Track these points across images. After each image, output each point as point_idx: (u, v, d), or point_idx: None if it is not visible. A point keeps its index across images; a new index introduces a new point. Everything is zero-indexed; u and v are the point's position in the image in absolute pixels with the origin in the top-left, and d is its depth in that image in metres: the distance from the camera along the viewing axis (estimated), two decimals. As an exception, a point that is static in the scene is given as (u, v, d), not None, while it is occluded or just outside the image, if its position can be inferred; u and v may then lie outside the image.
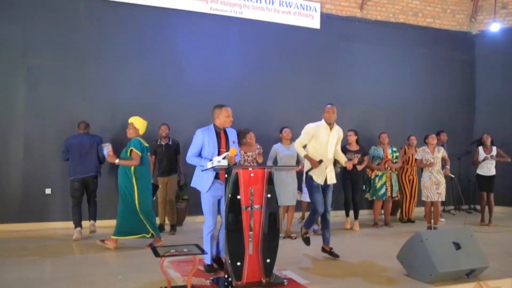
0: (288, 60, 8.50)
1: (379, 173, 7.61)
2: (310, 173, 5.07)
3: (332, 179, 5.14)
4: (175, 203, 6.93)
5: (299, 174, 6.47)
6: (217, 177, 4.38)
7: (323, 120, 5.14)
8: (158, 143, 6.77)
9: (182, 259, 4.73)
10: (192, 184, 4.60)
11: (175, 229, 6.74)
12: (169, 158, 6.76)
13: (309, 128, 5.12)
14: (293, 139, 6.68)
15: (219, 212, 4.51)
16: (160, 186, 6.56)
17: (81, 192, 6.29)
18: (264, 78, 8.29)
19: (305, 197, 7.10)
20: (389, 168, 7.59)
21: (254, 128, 7.50)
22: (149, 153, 6.61)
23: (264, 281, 3.98)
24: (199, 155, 4.48)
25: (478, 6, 9.95)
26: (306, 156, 5.05)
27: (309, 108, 8.30)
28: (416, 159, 7.14)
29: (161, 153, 6.74)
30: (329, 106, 5.14)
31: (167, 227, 6.86)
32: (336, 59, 8.90)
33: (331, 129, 5.12)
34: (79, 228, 6.13)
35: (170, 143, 6.80)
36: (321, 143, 5.06)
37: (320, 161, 4.96)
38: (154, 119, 6.99)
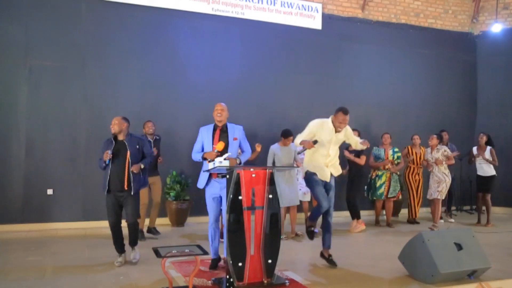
0: (290, 61, 8.50)
1: (379, 173, 7.65)
2: (311, 170, 4.82)
3: (334, 173, 4.87)
4: (159, 205, 6.54)
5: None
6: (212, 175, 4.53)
7: (330, 119, 4.78)
8: None
9: (183, 260, 4.73)
10: (198, 185, 4.74)
11: (157, 232, 6.31)
12: (156, 156, 6.37)
13: (312, 125, 4.78)
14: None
15: (221, 212, 4.63)
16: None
17: None
18: (266, 78, 8.29)
19: (305, 197, 7.03)
20: (388, 168, 7.62)
21: (255, 129, 7.53)
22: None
23: (265, 281, 3.98)
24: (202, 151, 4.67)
25: (480, 6, 9.94)
26: (302, 142, 4.69)
27: (310, 108, 8.30)
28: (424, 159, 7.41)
29: None
30: (343, 114, 4.69)
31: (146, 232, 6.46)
32: (337, 59, 8.90)
33: (336, 131, 4.78)
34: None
35: (156, 139, 6.54)
36: (323, 143, 4.73)
37: (315, 142, 4.66)
38: (155, 119, 6.99)
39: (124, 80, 7.43)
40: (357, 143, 4.95)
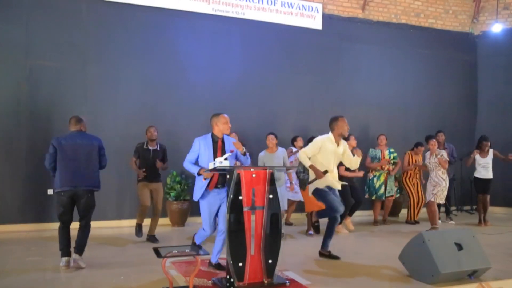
0: (290, 61, 8.50)
1: (377, 173, 7.75)
2: (312, 184, 5.09)
3: (335, 185, 5.14)
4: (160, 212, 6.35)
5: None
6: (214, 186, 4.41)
7: (330, 134, 5.10)
8: (145, 147, 6.21)
9: (183, 260, 4.73)
10: (194, 197, 4.57)
11: (156, 239, 6.09)
12: (152, 162, 6.15)
13: (318, 140, 5.08)
14: (281, 144, 6.72)
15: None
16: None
17: (71, 212, 4.65)
18: (266, 78, 8.29)
19: (295, 196, 7.17)
20: (386, 169, 7.71)
21: (256, 129, 7.51)
22: (133, 157, 6.21)
23: (266, 281, 3.97)
24: (196, 162, 4.50)
25: (480, 7, 9.93)
26: (311, 167, 5.00)
27: (310, 108, 8.32)
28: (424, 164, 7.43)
29: (148, 159, 6.13)
30: (343, 118, 5.11)
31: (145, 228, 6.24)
32: (337, 60, 8.91)
33: (338, 144, 5.10)
34: (67, 258, 4.57)
35: (158, 148, 6.25)
36: (326, 158, 5.05)
37: (325, 172, 4.97)
38: (155, 119, 7.00)
39: (124, 80, 7.43)
40: (351, 161, 5.21)
